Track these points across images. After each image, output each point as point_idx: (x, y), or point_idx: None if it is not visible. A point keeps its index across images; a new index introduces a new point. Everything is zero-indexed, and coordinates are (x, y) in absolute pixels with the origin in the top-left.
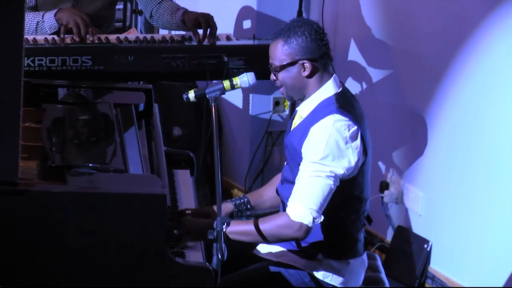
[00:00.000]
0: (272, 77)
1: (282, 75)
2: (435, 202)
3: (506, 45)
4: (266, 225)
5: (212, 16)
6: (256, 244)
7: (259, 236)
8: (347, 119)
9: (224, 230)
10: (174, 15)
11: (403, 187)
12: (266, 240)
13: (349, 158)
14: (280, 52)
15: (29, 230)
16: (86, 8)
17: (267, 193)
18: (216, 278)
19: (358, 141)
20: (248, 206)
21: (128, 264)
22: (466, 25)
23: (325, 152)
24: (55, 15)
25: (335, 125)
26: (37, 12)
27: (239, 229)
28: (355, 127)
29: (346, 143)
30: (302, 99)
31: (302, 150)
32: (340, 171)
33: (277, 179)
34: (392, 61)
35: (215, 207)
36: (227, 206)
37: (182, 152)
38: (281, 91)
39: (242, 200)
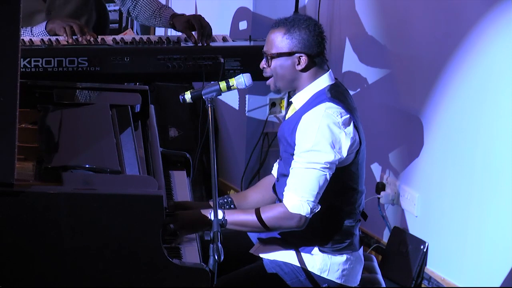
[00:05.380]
0: (263, 64)
1: (275, 63)
2: (431, 203)
3: (501, 46)
4: (264, 216)
5: (203, 17)
6: (252, 243)
7: (258, 227)
8: (339, 107)
9: (222, 225)
10: (158, 13)
11: (399, 188)
12: (264, 230)
13: (342, 143)
14: (279, 40)
15: (25, 231)
16: (60, 14)
17: (251, 195)
18: (213, 279)
19: (351, 128)
20: (232, 206)
21: (124, 265)
22: (462, 26)
23: (317, 138)
24: (45, 28)
25: (327, 111)
26: (23, 28)
27: (237, 219)
28: (348, 115)
29: (339, 128)
30: (293, 91)
31: (295, 139)
32: (335, 157)
33: (264, 182)
34: (388, 62)
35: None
36: (210, 205)
37: (178, 153)
38: (268, 82)
39: (225, 200)
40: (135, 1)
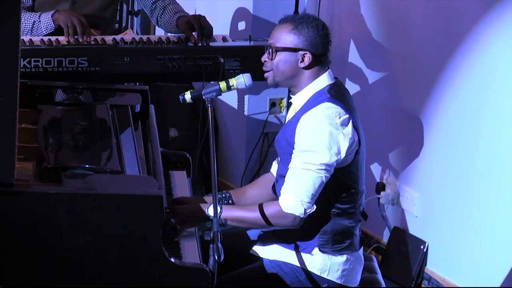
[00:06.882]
0: (265, 57)
1: (279, 57)
2: (431, 203)
3: (501, 46)
4: (260, 213)
5: (205, 17)
6: (252, 243)
7: (253, 223)
8: (338, 107)
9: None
10: (172, 18)
11: (399, 188)
12: (260, 227)
13: (340, 144)
14: (286, 35)
15: (25, 231)
16: (84, 9)
17: (250, 191)
18: (213, 279)
19: (350, 128)
20: (230, 201)
21: (124, 265)
22: (462, 27)
23: (314, 139)
24: (52, 16)
25: (325, 112)
26: (34, 12)
27: (233, 215)
28: (346, 115)
29: (337, 129)
30: (290, 89)
31: (294, 139)
32: (331, 159)
33: (263, 179)
34: (388, 62)
35: (205, 198)
36: (208, 199)
37: (178, 153)
38: (267, 75)
39: (223, 195)
40: (163, 9)
